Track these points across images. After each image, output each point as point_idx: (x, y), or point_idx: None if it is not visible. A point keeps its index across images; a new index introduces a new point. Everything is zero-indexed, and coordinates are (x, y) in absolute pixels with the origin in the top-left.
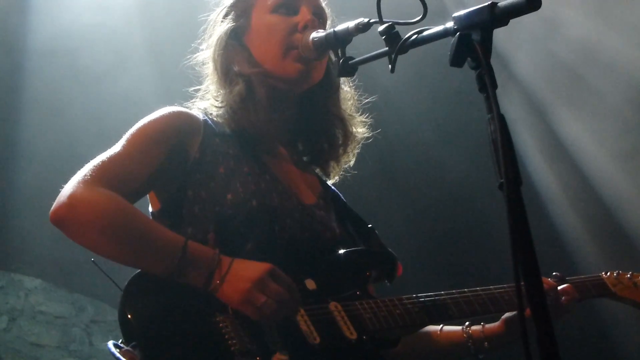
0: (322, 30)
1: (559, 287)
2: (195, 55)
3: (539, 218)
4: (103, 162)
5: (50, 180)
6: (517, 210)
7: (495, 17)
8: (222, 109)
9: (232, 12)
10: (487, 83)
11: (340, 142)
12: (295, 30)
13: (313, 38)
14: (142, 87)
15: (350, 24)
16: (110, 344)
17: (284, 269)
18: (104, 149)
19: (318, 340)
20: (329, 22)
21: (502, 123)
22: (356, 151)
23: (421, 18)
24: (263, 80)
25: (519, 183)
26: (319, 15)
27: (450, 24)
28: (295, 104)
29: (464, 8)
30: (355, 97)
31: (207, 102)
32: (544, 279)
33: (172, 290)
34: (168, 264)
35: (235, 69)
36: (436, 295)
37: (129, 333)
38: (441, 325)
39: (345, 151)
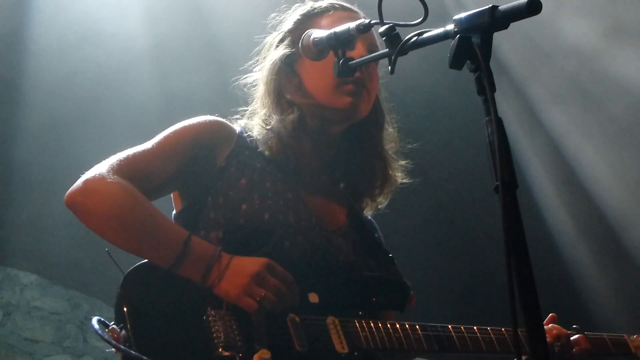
0: (324, 31)
1: (572, 337)
2: (244, 76)
3: (534, 221)
4: (128, 155)
5: (48, 176)
6: (512, 213)
7: (496, 21)
8: (268, 133)
9: (289, 38)
10: (485, 86)
11: (377, 183)
12: None
13: (314, 38)
14: (144, 91)
15: (351, 24)
16: (95, 320)
17: None
18: (101, 146)
19: (306, 348)
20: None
21: (499, 126)
22: (391, 194)
23: (422, 20)
24: (314, 112)
25: (514, 186)
26: (373, 52)
27: (450, 27)
28: (339, 139)
29: (465, 10)
30: (398, 141)
31: (250, 122)
32: (556, 326)
33: (170, 282)
34: (169, 256)
35: (288, 96)
36: (442, 327)
37: (119, 317)
38: None
39: (381, 193)
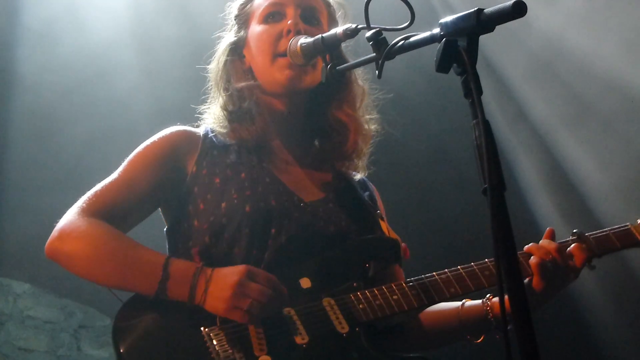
0: (310, 37)
1: (569, 249)
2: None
3: (522, 221)
4: (97, 192)
5: (40, 184)
6: (501, 216)
7: (481, 24)
8: (221, 123)
9: (235, 25)
10: (472, 89)
11: (346, 143)
12: (281, 36)
13: (301, 44)
14: (132, 90)
15: (338, 29)
16: None
17: (280, 270)
18: (92, 150)
19: (307, 339)
20: (338, 13)
21: (486, 129)
22: (368, 149)
23: (409, 24)
24: (255, 92)
25: (502, 189)
26: (310, 15)
27: (436, 30)
28: (297, 106)
29: (453, 13)
30: (368, 92)
31: (209, 119)
32: (545, 242)
33: (161, 311)
34: (152, 284)
35: (233, 84)
36: (439, 274)
37: (118, 356)
38: (463, 301)
39: (353, 151)
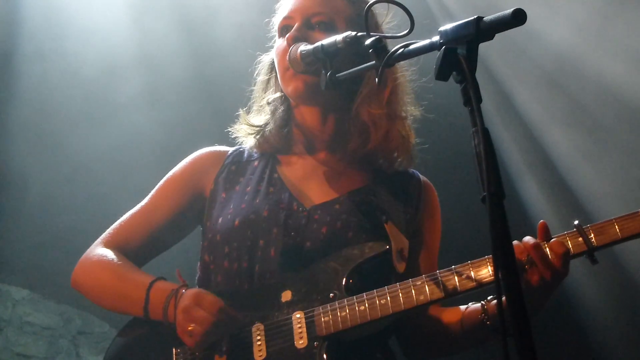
0: (310, 44)
1: (548, 245)
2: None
3: (522, 229)
4: (119, 223)
5: (38, 190)
6: (500, 224)
7: (481, 32)
8: (247, 137)
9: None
10: (472, 97)
11: (368, 142)
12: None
13: (301, 51)
14: (134, 97)
15: (338, 37)
16: None
17: (268, 283)
18: (93, 156)
19: (264, 355)
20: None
21: (485, 137)
22: (399, 144)
23: (408, 32)
24: (279, 103)
25: (501, 196)
26: (318, 21)
27: (436, 38)
28: (321, 112)
29: (454, 22)
30: (399, 87)
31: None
32: (528, 239)
33: (151, 328)
34: (139, 307)
35: (265, 98)
36: (413, 280)
37: None
38: (469, 304)
39: (379, 148)
